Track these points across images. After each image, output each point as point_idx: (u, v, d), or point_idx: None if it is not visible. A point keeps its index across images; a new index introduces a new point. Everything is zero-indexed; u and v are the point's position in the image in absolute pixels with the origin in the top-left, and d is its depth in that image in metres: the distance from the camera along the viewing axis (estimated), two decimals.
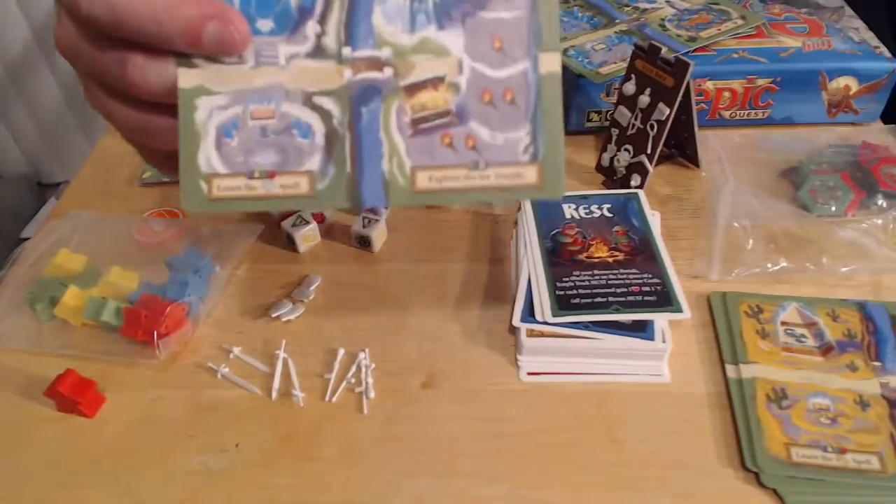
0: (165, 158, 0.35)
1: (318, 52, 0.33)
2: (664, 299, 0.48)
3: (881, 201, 0.56)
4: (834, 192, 0.57)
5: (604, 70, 0.63)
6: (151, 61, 0.31)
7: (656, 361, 0.47)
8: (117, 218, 0.60)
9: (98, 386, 0.47)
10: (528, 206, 0.56)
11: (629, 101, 0.60)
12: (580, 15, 0.71)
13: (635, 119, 0.59)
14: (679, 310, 0.48)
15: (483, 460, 0.44)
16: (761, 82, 0.64)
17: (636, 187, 0.60)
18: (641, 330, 0.47)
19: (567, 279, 0.50)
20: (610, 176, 0.63)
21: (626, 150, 0.60)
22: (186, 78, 0.32)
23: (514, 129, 0.33)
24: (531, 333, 0.48)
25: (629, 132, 0.60)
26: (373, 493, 0.42)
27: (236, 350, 0.51)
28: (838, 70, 0.64)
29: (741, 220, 0.55)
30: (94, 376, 0.48)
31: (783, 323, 0.49)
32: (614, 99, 0.64)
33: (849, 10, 0.71)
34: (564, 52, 0.66)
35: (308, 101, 0.33)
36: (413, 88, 0.33)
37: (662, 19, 0.69)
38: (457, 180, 0.33)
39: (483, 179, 0.33)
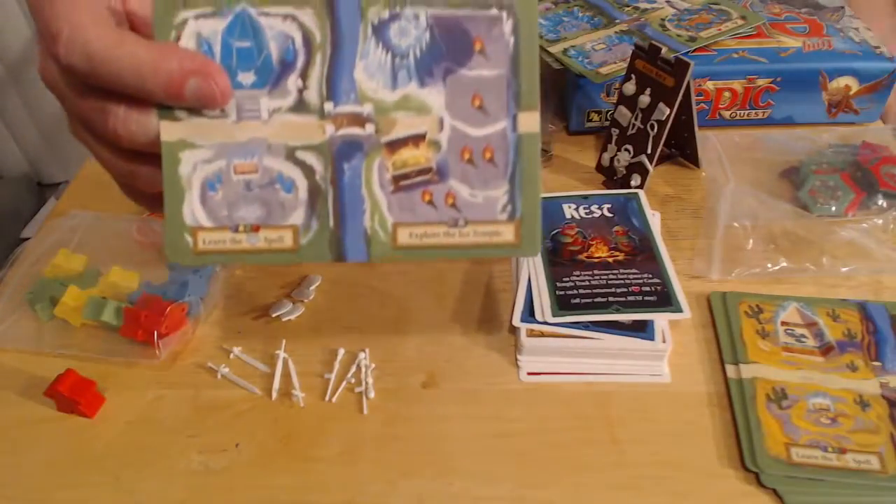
0: (151, 199, 0.35)
1: (300, 106, 0.33)
2: (664, 299, 0.48)
3: (881, 201, 0.56)
4: (834, 192, 0.57)
5: (604, 70, 0.63)
6: (133, 113, 0.31)
7: (656, 361, 0.47)
8: (117, 218, 0.60)
9: (98, 386, 0.47)
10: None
11: (629, 101, 0.60)
12: (580, 15, 0.71)
13: (635, 119, 0.59)
14: (679, 310, 0.48)
15: (483, 460, 0.43)
16: (761, 82, 0.64)
17: (636, 187, 0.60)
18: (641, 330, 0.47)
19: (567, 279, 0.50)
20: (610, 176, 0.63)
21: (626, 150, 0.60)
22: (169, 130, 0.32)
23: (493, 187, 0.34)
24: (531, 333, 0.48)
25: (629, 132, 0.60)
26: (373, 492, 0.42)
27: (236, 350, 0.51)
28: (838, 70, 0.64)
29: (741, 220, 0.55)
30: (94, 376, 0.48)
31: (783, 323, 0.49)
32: (614, 99, 0.64)
33: (849, 10, 0.71)
34: (565, 52, 0.66)
35: (291, 155, 0.34)
36: (394, 145, 0.34)
37: (662, 19, 0.69)
38: (437, 237, 0.34)
39: (462, 237, 0.34)
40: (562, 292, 0.49)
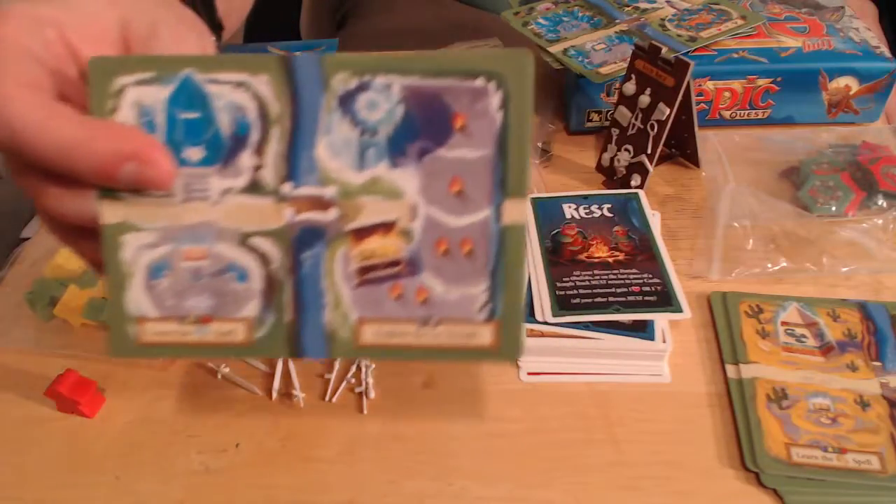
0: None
1: (254, 187, 0.30)
2: (664, 299, 0.48)
3: (881, 201, 0.56)
4: (834, 192, 0.57)
5: (604, 70, 0.63)
6: (68, 193, 0.28)
7: (656, 361, 0.47)
8: None
9: (98, 386, 0.47)
10: (528, 207, 0.56)
11: (629, 101, 0.60)
12: (580, 15, 0.71)
13: (635, 119, 0.59)
14: (679, 310, 0.48)
15: (483, 460, 0.43)
16: (761, 82, 0.64)
17: (636, 187, 0.60)
18: (642, 330, 0.47)
19: (567, 279, 0.50)
20: (610, 176, 0.63)
21: (626, 149, 0.60)
22: (110, 212, 0.29)
23: (471, 284, 0.30)
24: (531, 333, 0.48)
25: (629, 132, 0.60)
26: (373, 493, 0.42)
27: None
28: (838, 70, 0.64)
29: (741, 220, 0.55)
30: (94, 376, 0.48)
31: (783, 323, 0.49)
32: (614, 99, 0.63)
33: (849, 10, 0.71)
34: (565, 52, 0.66)
35: (244, 242, 0.30)
36: (361, 233, 0.30)
37: (662, 19, 0.69)
38: (405, 336, 0.31)
39: (434, 337, 0.31)
40: (562, 292, 0.49)
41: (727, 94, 0.65)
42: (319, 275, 0.30)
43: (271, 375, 0.49)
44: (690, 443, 0.44)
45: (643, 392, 0.47)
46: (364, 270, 0.30)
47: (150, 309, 0.30)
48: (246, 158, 0.29)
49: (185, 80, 0.29)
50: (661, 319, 0.47)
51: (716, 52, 0.65)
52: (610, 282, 0.50)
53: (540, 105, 0.69)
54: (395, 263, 0.30)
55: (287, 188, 0.30)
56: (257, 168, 0.29)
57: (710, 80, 0.64)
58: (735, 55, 0.64)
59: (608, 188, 0.62)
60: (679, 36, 0.66)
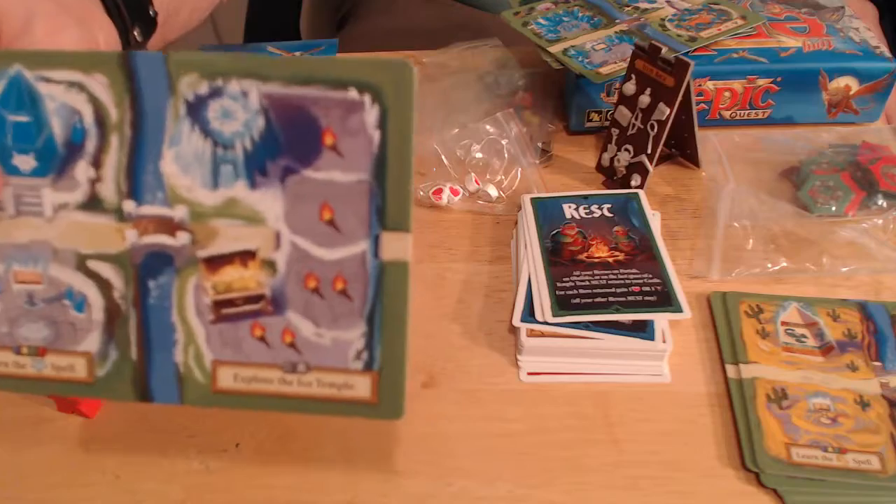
0: None
1: (92, 203, 0.26)
2: (664, 299, 0.48)
3: (881, 201, 0.56)
4: (834, 192, 0.57)
5: (604, 70, 0.63)
6: None
7: (656, 361, 0.47)
8: None
9: None
10: (527, 206, 0.56)
11: (629, 101, 0.60)
12: (580, 15, 0.71)
13: (635, 119, 0.59)
14: (679, 310, 0.48)
15: (483, 460, 0.43)
16: (761, 82, 0.64)
17: (636, 187, 0.60)
18: (642, 330, 0.47)
19: (567, 279, 0.50)
20: (610, 176, 0.63)
21: (626, 149, 0.60)
22: None
23: (346, 327, 0.27)
24: (531, 333, 0.47)
25: (629, 132, 0.60)
26: (373, 493, 0.42)
27: None
28: (838, 70, 0.64)
29: (741, 220, 0.55)
30: None
31: (783, 323, 0.49)
32: (614, 99, 0.63)
33: (849, 10, 0.71)
34: (565, 52, 0.65)
35: (82, 265, 0.27)
36: (216, 262, 0.27)
37: (663, 19, 0.69)
38: (269, 383, 0.27)
39: (303, 386, 0.27)
40: (562, 292, 0.49)
41: (727, 94, 0.65)
42: (168, 307, 0.27)
43: None
44: (690, 443, 0.44)
45: (643, 392, 0.47)
46: (220, 305, 0.27)
47: None
48: (82, 170, 0.26)
49: (15, 77, 0.25)
50: (661, 319, 0.47)
51: (716, 52, 0.65)
52: (610, 282, 0.50)
53: (540, 105, 0.69)
54: (255, 299, 0.27)
55: (130, 206, 0.26)
56: (95, 181, 0.26)
57: (710, 80, 0.64)
58: (735, 55, 0.64)
59: (608, 188, 0.62)
60: (679, 36, 0.66)
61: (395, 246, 0.26)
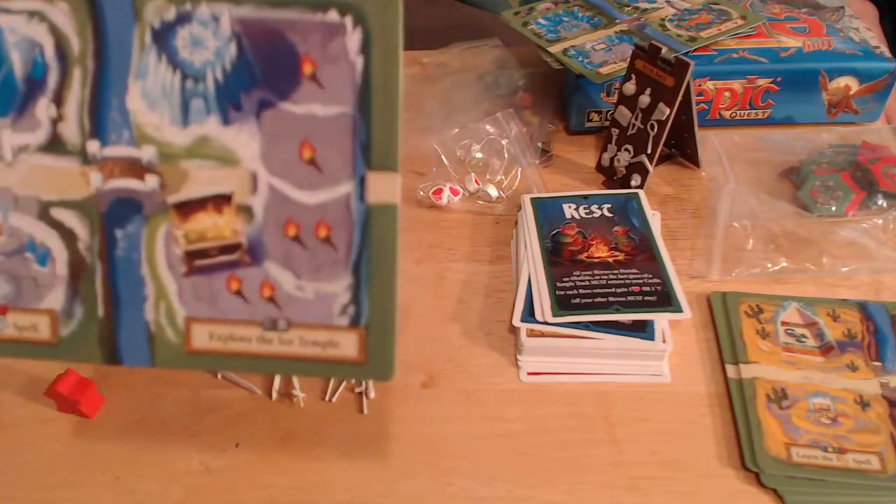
0: None
1: (54, 144, 0.24)
2: (664, 299, 0.48)
3: (881, 201, 0.56)
4: (834, 192, 0.57)
5: (604, 70, 0.63)
6: None
7: (656, 361, 0.47)
8: None
9: (98, 386, 0.47)
10: (527, 206, 0.56)
11: (629, 101, 0.60)
12: (580, 15, 0.71)
13: (635, 119, 0.59)
14: (679, 310, 0.48)
15: (483, 460, 0.43)
16: (761, 82, 0.64)
17: (636, 187, 0.60)
18: (642, 330, 0.47)
19: (567, 279, 0.50)
20: (610, 176, 0.63)
21: (626, 149, 0.60)
22: None
23: (330, 279, 0.25)
24: (531, 333, 0.47)
25: (629, 132, 0.60)
26: (373, 493, 0.42)
27: None
28: (838, 70, 0.64)
29: (741, 220, 0.55)
30: (94, 376, 0.47)
31: (783, 323, 0.49)
32: (614, 99, 0.63)
33: (849, 10, 0.71)
34: (565, 52, 0.65)
35: (45, 214, 0.24)
36: (187, 208, 0.24)
37: (663, 19, 0.68)
38: (248, 342, 0.26)
39: (284, 345, 0.26)
40: (562, 292, 0.49)
41: (727, 94, 0.65)
42: (137, 259, 0.25)
43: (271, 375, 0.48)
44: (690, 443, 0.44)
45: (643, 392, 0.47)
46: (193, 256, 0.25)
47: None
48: (42, 108, 0.24)
49: None
50: (661, 319, 0.47)
51: (716, 52, 0.65)
52: (610, 282, 0.50)
53: (540, 105, 0.69)
54: (231, 248, 0.25)
55: (94, 147, 0.24)
56: (57, 120, 0.24)
57: (710, 80, 0.64)
58: (735, 55, 0.64)
59: (608, 188, 0.62)
60: (679, 36, 0.66)
61: (382, 187, 0.23)
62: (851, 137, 0.62)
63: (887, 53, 0.64)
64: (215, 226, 0.24)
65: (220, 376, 0.49)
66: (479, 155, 0.63)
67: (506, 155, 0.63)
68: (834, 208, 0.56)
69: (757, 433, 0.43)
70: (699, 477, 0.42)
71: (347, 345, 0.25)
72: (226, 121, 0.23)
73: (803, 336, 0.48)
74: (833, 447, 0.42)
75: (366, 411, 0.46)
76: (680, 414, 0.45)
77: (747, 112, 0.66)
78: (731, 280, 0.53)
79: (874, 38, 0.66)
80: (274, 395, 0.47)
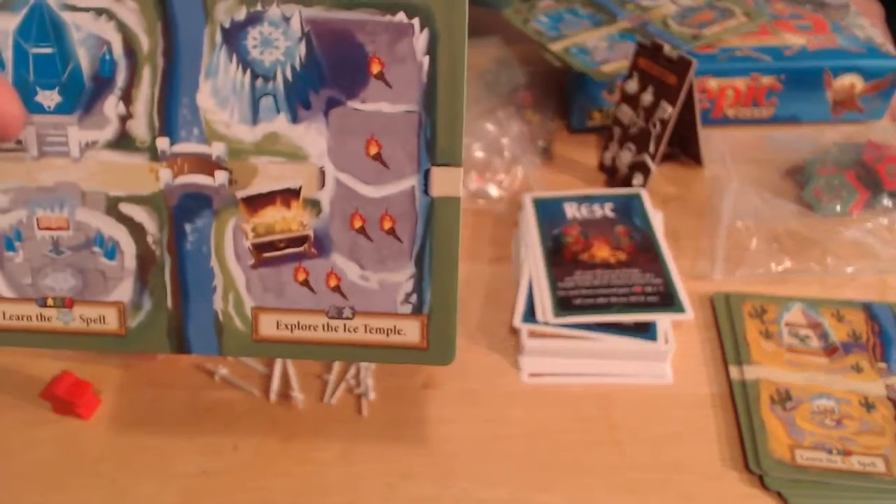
0: None
1: (122, 141, 0.25)
2: (667, 300, 0.48)
3: (886, 201, 0.56)
4: (839, 191, 0.57)
5: (606, 68, 0.63)
6: None
7: (659, 363, 0.47)
8: None
9: (94, 388, 0.47)
10: (528, 206, 0.56)
11: (632, 100, 0.59)
12: (582, 12, 0.70)
13: (638, 117, 0.59)
14: (682, 310, 0.47)
15: (484, 462, 0.43)
16: (765, 80, 0.64)
17: (639, 186, 0.59)
18: (644, 331, 0.46)
19: (568, 279, 0.50)
20: (612, 175, 0.62)
21: (628, 148, 0.60)
22: None
23: (394, 269, 0.26)
24: (532, 334, 0.47)
25: (632, 131, 0.60)
26: (372, 495, 0.42)
27: None
28: (843, 68, 0.63)
29: (745, 220, 0.55)
30: (91, 378, 0.47)
31: (787, 324, 0.49)
32: (616, 97, 0.63)
33: (853, 8, 0.70)
34: (566, 49, 0.65)
35: (113, 209, 0.25)
36: (256, 202, 0.25)
37: (665, 17, 0.68)
38: (314, 330, 0.26)
39: (349, 332, 0.26)
40: (563, 293, 0.49)
41: (730, 92, 0.65)
42: (206, 252, 0.25)
43: (269, 376, 0.48)
44: (693, 445, 0.43)
45: (645, 394, 0.46)
46: (261, 248, 0.26)
47: (4, 288, 0.26)
48: (111, 106, 0.24)
49: (36, 5, 0.23)
50: (663, 320, 0.47)
51: (719, 50, 0.64)
52: (612, 282, 0.49)
53: (541, 103, 0.68)
54: (298, 241, 0.26)
55: (163, 144, 0.25)
56: (126, 118, 0.24)
57: (713, 77, 0.64)
58: (739, 53, 0.64)
59: (610, 187, 0.61)
60: (682, 33, 0.66)
61: (445, 181, 0.25)
62: (856, 136, 0.62)
63: (892, 51, 0.64)
64: (283, 219, 0.25)
65: (217, 378, 0.48)
66: (479, 154, 0.63)
67: (507, 154, 0.62)
68: (838, 208, 0.56)
69: (760, 435, 0.42)
70: (702, 479, 0.42)
71: (411, 331, 0.26)
72: (295, 118, 0.24)
73: (807, 337, 0.48)
74: (838, 449, 0.42)
75: (365, 413, 0.46)
76: (682, 415, 0.45)
77: (751, 110, 0.66)
78: (735, 280, 0.53)
79: (879, 35, 0.66)
80: (272, 396, 0.47)
